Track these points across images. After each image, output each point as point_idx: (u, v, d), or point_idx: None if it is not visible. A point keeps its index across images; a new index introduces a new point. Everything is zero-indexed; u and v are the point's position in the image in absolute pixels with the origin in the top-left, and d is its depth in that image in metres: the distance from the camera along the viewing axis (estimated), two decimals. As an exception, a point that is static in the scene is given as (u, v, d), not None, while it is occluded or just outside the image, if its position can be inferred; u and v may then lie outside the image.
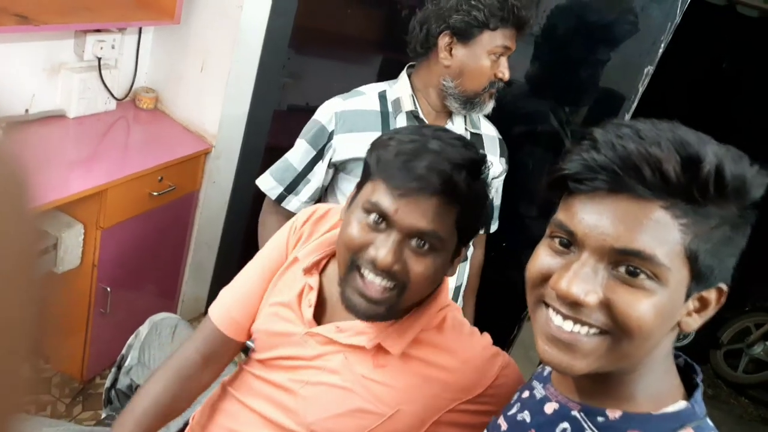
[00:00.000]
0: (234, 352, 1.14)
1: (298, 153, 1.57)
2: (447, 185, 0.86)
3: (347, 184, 1.57)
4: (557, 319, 0.68)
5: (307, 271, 1.03)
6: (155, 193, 1.86)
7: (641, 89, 1.53)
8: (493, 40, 1.44)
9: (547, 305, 0.70)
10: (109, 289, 1.84)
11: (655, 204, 0.63)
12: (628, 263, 0.64)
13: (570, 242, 0.68)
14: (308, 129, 1.57)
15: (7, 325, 0.27)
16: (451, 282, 1.63)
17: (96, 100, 1.93)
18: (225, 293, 1.15)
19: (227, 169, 2.15)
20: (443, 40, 1.46)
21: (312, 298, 1.02)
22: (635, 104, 1.55)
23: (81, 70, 1.87)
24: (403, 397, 0.95)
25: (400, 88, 1.55)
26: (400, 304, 0.93)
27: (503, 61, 1.46)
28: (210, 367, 1.12)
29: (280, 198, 1.60)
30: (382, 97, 1.56)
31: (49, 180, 1.59)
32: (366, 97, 1.56)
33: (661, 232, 0.63)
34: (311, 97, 2.20)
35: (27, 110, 1.81)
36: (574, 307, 0.66)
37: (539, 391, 0.82)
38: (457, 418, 0.96)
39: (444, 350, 0.97)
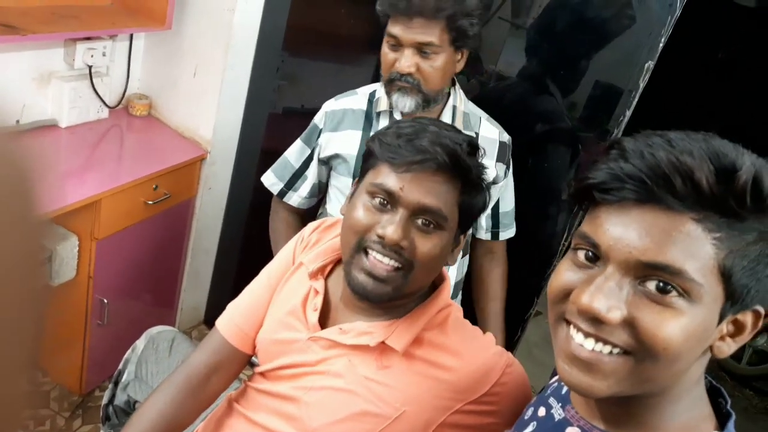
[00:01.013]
0: (241, 365, 1.13)
1: (295, 151, 1.67)
2: (451, 157, 0.90)
3: (335, 181, 1.61)
4: (578, 337, 0.65)
5: (313, 275, 1.04)
6: (150, 202, 1.83)
7: (642, 85, 1.51)
8: (388, 28, 1.42)
9: (569, 322, 0.67)
10: (106, 300, 1.82)
11: (686, 216, 0.59)
12: (656, 278, 0.60)
13: (595, 255, 0.65)
14: (307, 128, 1.65)
15: (8, 333, 0.26)
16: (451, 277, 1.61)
17: (88, 109, 1.90)
18: (232, 305, 1.15)
19: (223, 174, 2.13)
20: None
21: (318, 302, 1.02)
22: (636, 100, 1.53)
23: (72, 78, 1.84)
24: (407, 398, 0.94)
25: (380, 87, 1.55)
26: (406, 287, 0.94)
27: (405, 52, 1.39)
28: (217, 379, 1.10)
29: (281, 194, 1.69)
30: (371, 96, 1.57)
31: (47, 189, 1.55)
32: (357, 97, 1.59)
33: (693, 246, 0.59)
34: (306, 100, 2.17)
35: (18, 121, 1.78)
36: (595, 323, 0.63)
37: (558, 412, 0.78)
38: (462, 420, 0.95)
39: (447, 351, 0.96)
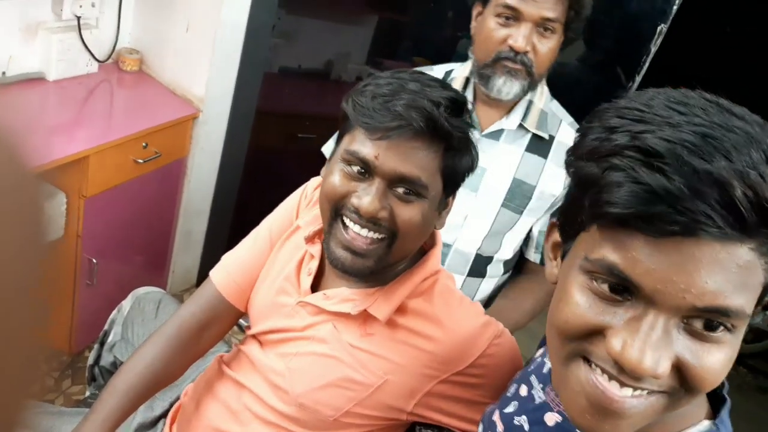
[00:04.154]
0: (233, 320, 1.10)
1: None
2: (428, 122, 0.82)
3: None
4: (609, 385, 0.54)
5: (309, 239, 1.00)
6: (140, 161, 1.78)
7: (653, 48, 1.45)
8: None
9: (589, 362, 0.56)
10: (95, 260, 1.78)
11: (745, 247, 0.49)
12: (709, 318, 0.51)
13: (625, 288, 0.53)
14: None
15: (17, 300, 0.26)
16: (478, 294, 1.51)
17: (77, 62, 1.84)
18: (228, 256, 1.11)
19: (216, 134, 2.07)
20: (475, 9, 1.33)
21: (312, 267, 0.99)
22: (647, 64, 1.47)
23: (59, 30, 1.77)
24: (390, 366, 0.91)
25: (463, 67, 1.39)
26: (390, 257, 0.88)
27: (522, 27, 1.24)
28: (208, 334, 1.08)
29: None
30: (446, 76, 1.43)
31: (33, 145, 1.51)
32: (432, 72, 1.43)
33: (749, 278, 0.50)
34: (303, 59, 2.11)
35: (4, 73, 1.71)
36: (639, 378, 0.53)
37: (538, 394, 0.74)
38: (447, 390, 0.92)
39: (431, 320, 0.92)
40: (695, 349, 0.52)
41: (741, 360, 3.44)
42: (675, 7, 1.41)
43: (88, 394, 1.29)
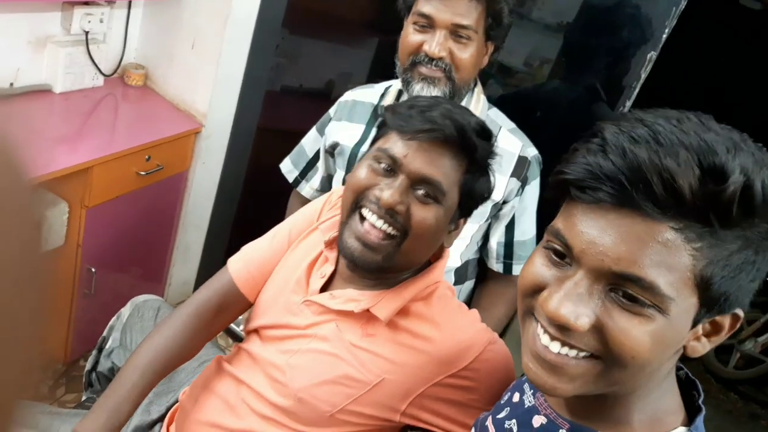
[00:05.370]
0: (242, 309, 1.15)
1: (309, 139, 1.62)
2: (459, 131, 0.90)
3: (336, 174, 1.55)
4: (544, 338, 0.62)
5: (328, 244, 1.05)
6: (143, 173, 1.81)
7: (644, 75, 1.50)
8: (416, 7, 1.30)
9: (537, 319, 0.64)
10: (93, 269, 1.80)
11: (665, 225, 0.55)
12: (626, 288, 0.57)
13: (566, 254, 0.61)
14: (322, 117, 1.60)
15: (14, 306, 0.27)
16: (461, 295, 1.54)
17: (83, 76, 1.88)
18: (247, 248, 1.16)
19: (218, 149, 2.11)
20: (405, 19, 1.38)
21: (326, 271, 1.03)
22: (637, 90, 1.52)
23: (68, 44, 1.81)
24: (389, 366, 0.95)
25: (398, 82, 1.44)
26: (398, 256, 0.93)
27: (436, 34, 1.27)
28: (220, 319, 1.13)
29: (295, 182, 1.65)
30: (385, 91, 1.50)
31: (34, 156, 1.54)
32: (371, 90, 1.52)
33: (669, 257, 0.55)
34: (304, 79, 2.15)
35: (12, 84, 1.75)
36: (563, 329, 0.60)
37: (528, 399, 0.77)
38: (441, 393, 0.95)
39: (429, 321, 0.97)
40: (617, 316, 0.58)
41: (732, 386, 3.45)
42: (665, 36, 1.46)
43: (84, 398, 1.30)
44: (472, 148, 0.92)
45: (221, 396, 1.06)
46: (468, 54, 1.30)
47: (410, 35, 1.32)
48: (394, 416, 0.96)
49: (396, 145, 0.92)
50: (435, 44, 1.28)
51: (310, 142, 1.61)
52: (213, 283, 1.13)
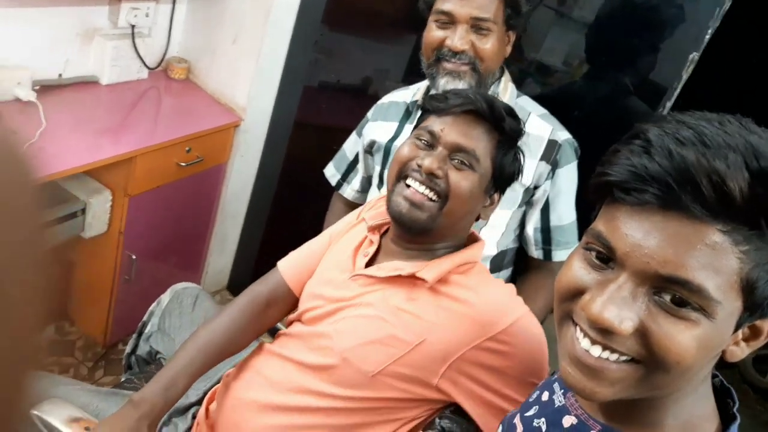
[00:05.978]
0: (291, 306, 1.23)
1: (350, 143, 1.68)
2: (489, 105, 1.02)
3: (374, 173, 1.59)
4: (585, 342, 0.61)
5: (371, 229, 1.15)
6: (183, 164, 1.86)
7: (685, 76, 1.47)
8: (436, 5, 1.35)
9: (575, 323, 0.63)
10: (134, 256, 1.86)
11: (713, 227, 0.54)
12: (673, 291, 0.56)
13: (608, 258, 0.60)
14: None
15: (18, 292, 0.27)
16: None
17: (129, 68, 1.94)
18: (293, 252, 1.27)
19: (256, 142, 2.15)
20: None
21: (370, 250, 1.13)
22: (678, 91, 1.49)
23: (114, 37, 1.87)
24: (429, 328, 1.00)
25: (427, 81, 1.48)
26: (440, 219, 1.03)
27: (458, 29, 1.32)
28: (272, 311, 1.22)
29: (338, 186, 1.72)
30: (417, 89, 1.53)
31: (80, 145, 1.60)
32: (406, 91, 1.57)
33: (716, 260, 0.54)
34: (342, 74, 2.17)
35: (60, 75, 1.82)
36: (605, 333, 0.59)
37: (558, 398, 0.77)
38: (479, 357, 0.98)
39: (468, 288, 1.03)
40: (661, 320, 0.57)
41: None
42: (707, 37, 1.43)
43: (123, 379, 1.35)
44: (501, 119, 1.03)
45: (263, 374, 1.11)
46: (490, 44, 1.35)
47: (433, 32, 1.38)
48: (433, 379, 0.99)
49: (435, 123, 1.05)
50: (457, 39, 1.33)
51: (351, 146, 1.67)
52: (265, 279, 1.24)
